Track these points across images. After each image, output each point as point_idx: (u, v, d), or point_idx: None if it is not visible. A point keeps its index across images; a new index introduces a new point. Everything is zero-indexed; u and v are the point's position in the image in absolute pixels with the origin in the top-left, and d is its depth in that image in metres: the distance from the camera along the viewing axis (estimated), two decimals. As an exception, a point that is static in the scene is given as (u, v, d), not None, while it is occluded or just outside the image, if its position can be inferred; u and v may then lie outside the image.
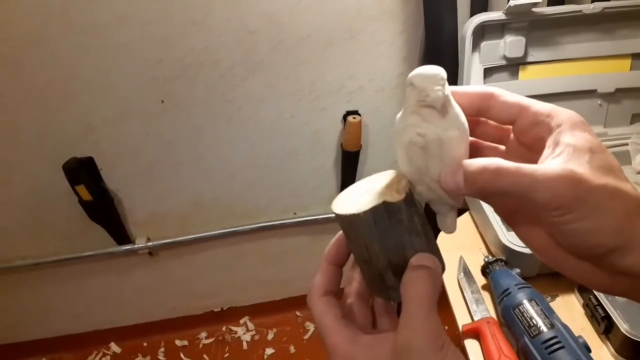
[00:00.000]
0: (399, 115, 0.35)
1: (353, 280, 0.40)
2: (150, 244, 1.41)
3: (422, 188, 0.35)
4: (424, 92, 0.32)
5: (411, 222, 0.35)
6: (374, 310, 0.40)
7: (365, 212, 0.34)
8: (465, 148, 0.34)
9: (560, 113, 0.33)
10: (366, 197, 0.35)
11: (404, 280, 0.34)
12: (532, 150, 0.34)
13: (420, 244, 0.35)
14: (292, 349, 1.58)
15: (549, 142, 0.32)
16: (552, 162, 0.31)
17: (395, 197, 0.34)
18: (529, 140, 0.34)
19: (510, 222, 0.37)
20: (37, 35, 1.04)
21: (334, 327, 0.36)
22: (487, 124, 0.38)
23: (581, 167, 0.30)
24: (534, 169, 0.30)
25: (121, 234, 1.39)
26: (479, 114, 0.36)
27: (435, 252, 0.36)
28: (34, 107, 1.14)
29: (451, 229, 0.38)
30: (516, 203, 0.35)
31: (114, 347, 1.62)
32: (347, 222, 0.35)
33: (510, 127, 0.36)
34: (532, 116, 0.34)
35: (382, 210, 0.34)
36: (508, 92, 0.35)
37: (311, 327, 1.64)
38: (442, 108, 0.33)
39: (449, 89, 0.34)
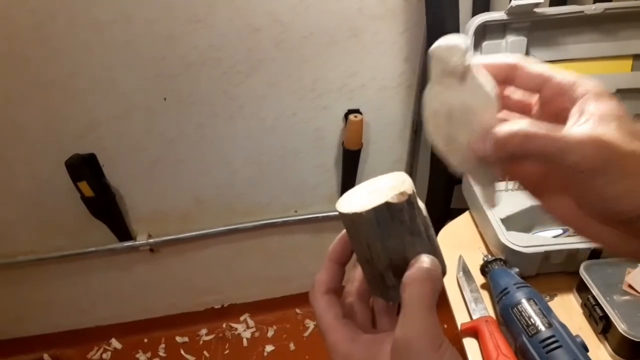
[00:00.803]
0: (426, 89, 0.36)
1: (354, 279, 0.41)
2: (151, 240, 1.42)
3: (454, 158, 0.36)
4: (443, 62, 0.33)
5: (413, 223, 0.35)
6: (374, 311, 0.41)
7: (368, 212, 0.34)
8: (492, 115, 0.34)
9: (584, 83, 0.33)
10: (370, 196, 0.35)
11: (403, 281, 0.34)
12: (557, 120, 0.34)
13: (421, 245, 0.36)
14: (292, 346, 1.59)
15: (574, 111, 0.32)
16: (580, 128, 0.31)
17: (398, 197, 0.34)
18: (554, 110, 0.34)
19: (536, 192, 0.37)
20: (41, 32, 1.05)
21: (334, 325, 0.37)
22: (509, 98, 0.38)
23: (610, 132, 0.30)
24: (564, 133, 0.30)
25: (123, 231, 1.39)
26: (505, 83, 0.36)
27: (437, 254, 0.36)
28: (38, 103, 1.14)
29: (491, 203, 0.38)
30: (543, 170, 0.35)
31: (115, 343, 1.63)
32: (350, 220, 0.36)
33: (533, 102, 0.37)
34: (556, 86, 0.34)
35: (385, 210, 0.34)
36: (533, 62, 0.36)
37: (311, 325, 1.64)
38: (463, 76, 0.33)
39: (473, 58, 0.34)
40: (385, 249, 0.35)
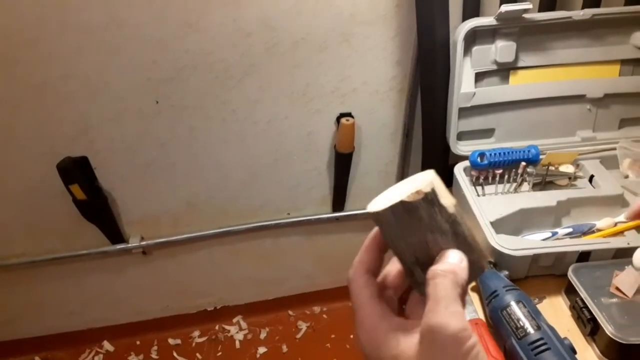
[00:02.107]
0: None
1: (389, 273, 0.43)
2: (144, 243, 1.42)
3: None
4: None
5: (432, 221, 0.36)
6: (412, 302, 0.42)
7: (385, 210, 0.36)
8: None
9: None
10: (394, 196, 0.37)
11: (427, 275, 0.35)
12: None
13: (445, 242, 0.37)
14: (284, 348, 1.59)
15: None
16: None
17: (413, 196, 0.35)
18: None
19: None
20: (32, 35, 1.05)
21: (368, 302, 0.38)
22: None
23: None
24: None
25: (115, 233, 1.39)
26: None
27: (468, 250, 0.37)
28: (29, 106, 1.14)
29: None
30: None
31: (107, 346, 1.63)
32: (374, 219, 0.38)
33: None
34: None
35: (400, 209, 0.36)
36: None
37: (303, 327, 1.65)
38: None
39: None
40: (408, 246, 0.37)
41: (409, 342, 0.34)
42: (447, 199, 0.37)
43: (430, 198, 0.36)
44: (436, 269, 0.35)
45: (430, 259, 0.37)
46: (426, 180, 0.36)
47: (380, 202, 0.37)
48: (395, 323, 0.36)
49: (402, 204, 0.36)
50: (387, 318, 0.37)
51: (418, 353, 0.34)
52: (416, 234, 0.37)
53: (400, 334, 0.35)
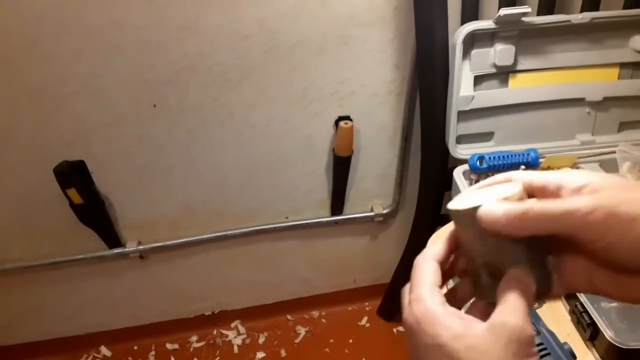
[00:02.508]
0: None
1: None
2: (141, 247, 1.41)
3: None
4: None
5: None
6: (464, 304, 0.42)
7: (466, 210, 0.36)
8: None
9: (555, 176, 0.35)
10: (479, 199, 0.36)
11: (498, 290, 0.35)
12: None
13: (519, 254, 0.36)
14: (283, 353, 1.59)
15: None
16: (578, 197, 0.33)
17: (512, 199, 0.35)
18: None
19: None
20: (30, 37, 1.04)
21: (429, 289, 0.37)
22: None
23: (604, 193, 0.32)
24: (564, 201, 0.33)
25: (112, 238, 1.38)
26: None
27: (537, 266, 0.37)
28: (26, 109, 1.14)
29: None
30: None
31: (104, 350, 1.62)
32: (453, 216, 0.38)
33: None
34: (540, 190, 0.36)
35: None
36: (522, 173, 0.38)
37: (302, 331, 1.64)
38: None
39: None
40: (482, 249, 0.37)
41: (473, 328, 0.34)
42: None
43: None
44: (507, 288, 0.35)
45: (501, 265, 0.37)
46: (515, 189, 0.36)
47: (464, 201, 0.37)
48: (455, 311, 0.36)
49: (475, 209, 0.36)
50: (446, 305, 0.36)
51: (483, 337, 0.33)
52: (493, 239, 0.36)
53: (462, 320, 0.35)
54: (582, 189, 0.33)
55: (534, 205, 0.33)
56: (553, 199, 0.34)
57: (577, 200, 0.32)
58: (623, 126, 1.15)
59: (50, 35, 1.05)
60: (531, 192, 0.37)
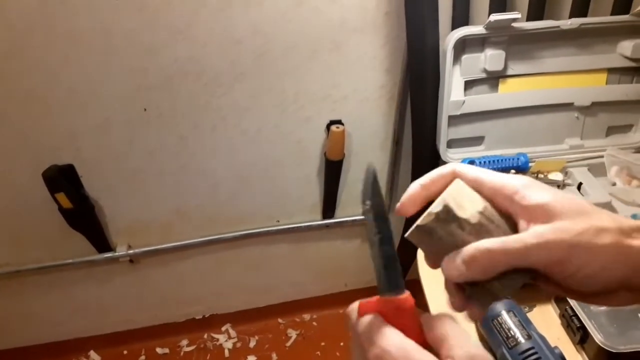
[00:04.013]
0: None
1: None
2: (131, 251, 1.40)
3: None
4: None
5: (453, 237, 0.36)
6: None
7: (410, 234, 0.37)
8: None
9: (510, 181, 0.36)
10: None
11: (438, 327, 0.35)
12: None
13: None
14: (274, 356, 1.58)
15: (514, 210, 0.36)
16: (532, 230, 0.34)
17: (427, 219, 0.36)
18: (498, 207, 0.37)
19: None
20: (19, 43, 1.03)
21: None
22: None
23: (559, 223, 0.33)
24: (519, 239, 0.33)
25: (102, 242, 1.37)
26: None
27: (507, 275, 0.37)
28: (14, 114, 1.13)
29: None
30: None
31: (94, 355, 1.61)
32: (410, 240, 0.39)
33: None
34: (489, 190, 0.37)
35: (421, 232, 0.37)
36: (469, 168, 0.38)
37: (293, 335, 1.64)
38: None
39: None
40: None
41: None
42: (469, 210, 0.36)
43: (443, 217, 0.36)
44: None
45: None
46: (442, 196, 0.37)
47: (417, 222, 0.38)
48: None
49: (417, 228, 0.37)
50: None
51: None
52: (444, 251, 0.37)
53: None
54: (540, 207, 0.34)
55: (493, 246, 0.34)
56: (511, 237, 0.34)
57: (534, 236, 0.33)
58: (611, 130, 1.16)
59: (39, 39, 1.04)
60: (478, 189, 0.37)
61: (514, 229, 0.37)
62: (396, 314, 0.34)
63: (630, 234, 0.34)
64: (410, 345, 0.32)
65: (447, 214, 0.36)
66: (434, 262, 0.39)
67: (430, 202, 0.39)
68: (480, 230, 0.36)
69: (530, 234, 0.33)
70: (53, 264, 1.38)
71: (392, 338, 0.32)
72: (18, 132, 1.15)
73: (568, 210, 0.34)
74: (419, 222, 0.37)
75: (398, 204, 0.39)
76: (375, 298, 0.35)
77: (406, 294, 0.34)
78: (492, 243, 0.34)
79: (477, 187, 0.37)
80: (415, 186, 0.39)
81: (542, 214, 0.34)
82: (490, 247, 0.34)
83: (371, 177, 0.36)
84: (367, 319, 0.34)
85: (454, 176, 0.38)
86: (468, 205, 0.36)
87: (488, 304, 0.37)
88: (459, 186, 0.38)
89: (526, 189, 0.35)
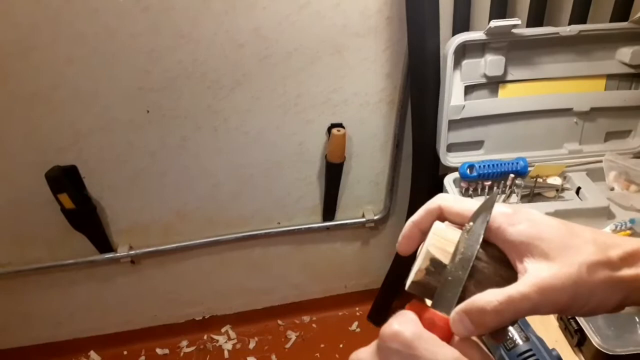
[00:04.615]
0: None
1: None
2: (132, 252, 1.41)
3: None
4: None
5: (445, 282, 0.37)
6: None
7: (408, 288, 0.38)
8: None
9: (493, 216, 0.37)
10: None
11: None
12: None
13: (469, 292, 0.37)
14: (273, 358, 1.59)
15: (501, 244, 0.36)
16: (533, 281, 0.34)
17: (419, 275, 0.37)
18: (483, 240, 0.37)
19: None
20: (24, 44, 1.04)
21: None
22: None
23: (553, 267, 0.34)
24: (524, 297, 0.33)
25: (103, 243, 1.38)
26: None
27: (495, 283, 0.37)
28: (18, 115, 1.13)
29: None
30: None
31: (94, 356, 1.61)
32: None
33: None
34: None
35: (417, 286, 0.38)
36: (454, 200, 0.39)
37: (293, 336, 1.64)
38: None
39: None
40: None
41: None
42: (448, 254, 0.37)
43: (432, 270, 0.37)
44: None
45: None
46: (425, 247, 0.37)
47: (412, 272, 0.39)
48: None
49: (413, 284, 0.38)
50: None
51: None
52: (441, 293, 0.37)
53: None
54: (524, 245, 0.35)
55: (501, 307, 0.33)
56: (515, 293, 0.34)
57: (537, 291, 0.33)
58: (609, 136, 1.17)
59: (44, 42, 1.05)
60: (462, 222, 0.38)
61: (504, 261, 0.37)
62: (429, 326, 0.34)
63: (619, 267, 0.34)
64: (427, 334, 0.33)
65: (435, 266, 0.37)
66: None
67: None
68: (472, 272, 0.36)
69: (532, 287, 0.33)
70: (54, 264, 1.39)
71: (412, 324, 0.33)
72: (22, 132, 1.16)
73: (556, 246, 0.34)
74: (412, 278, 0.37)
75: (397, 244, 0.40)
76: (425, 306, 0.36)
77: (447, 317, 0.35)
78: (500, 304, 0.33)
79: (461, 221, 0.38)
80: (409, 225, 0.40)
81: (527, 250, 0.35)
82: (498, 309, 0.33)
83: (490, 204, 0.37)
84: (406, 311, 0.35)
85: (440, 210, 0.39)
86: (447, 249, 0.37)
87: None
88: (438, 231, 0.38)
89: (509, 224, 0.35)
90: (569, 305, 0.34)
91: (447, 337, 0.34)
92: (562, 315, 0.35)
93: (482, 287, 0.35)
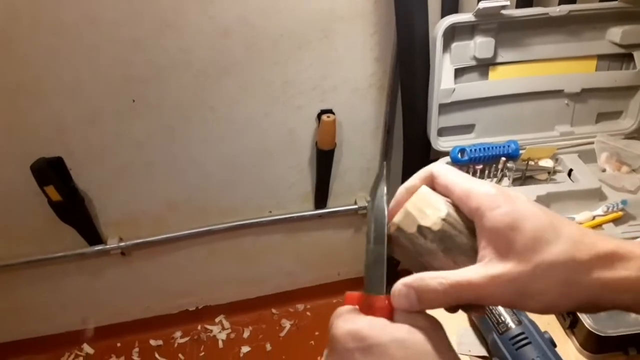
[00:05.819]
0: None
1: None
2: (122, 244, 1.39)
3: None
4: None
5: (416, 246, 0.37)
6: None
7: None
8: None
9: (477, 192, 0.36)
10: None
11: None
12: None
13: (437, 261, 0.37)
14: (268, 347, 1.59)
15: (476, 224, 0.36)
16: (484, 273, 0.34)
17: (391, 229, 0.38)
18: (464, 214, 0.37)
19: None
20: (4, 36, 1.02)
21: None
22: None
23: (509, 265, 0.33)
24: (472, 286, 0.33)
25: (92, 235, 1.37)
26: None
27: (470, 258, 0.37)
28: (2, 107, 1.11)
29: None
30: None
31: (87, 348, 1.60)
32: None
33: None
34: (457, 198, 0.37)
35: (390, 243, 0.38)
36: (444, 170, 0.38)
37: (287, 325, 1.64)
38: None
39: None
40: (414, 268, 0.39)
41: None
42: (431, 217, 0.36)
43: (404, 225, 0.36)
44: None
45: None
46: (405, 205, 0.37)
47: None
48: None
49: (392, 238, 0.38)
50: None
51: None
52: (409, 258, 0.37)
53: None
54: (495, 234, 0.34)
55: (445, 289, 0.34)
56: (462, 279, 0.34)
57: (487, 285, 0.33)
58: (601, 117, 1.17)
59: (25, 32, 1.02)
60: (448, 194, 0.37)
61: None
62: (369, 312, 0.35)
63: (588, 269, 0.33)
64: (374, 320, 0.34)
65: (408, 222, 0.36)
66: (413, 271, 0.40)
67: None
68: (443, 237, 0.36)
69: (482, 279, 0.33)
70: (43, 258, 1.37)
71: (355, 318, 0.35)
72: (5, 124, 1.14)
73: (524, 239, 0.33)
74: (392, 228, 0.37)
75: (389, 209, 0.40)
76: (359, 292, 0.36)
77: (383, 297, 0.35)
78: (450, 287, 0.34)
79: (448, 193, 0.37)
80: (401, 191, 0.40)
81: (496, 240, 0.34)
82: (447, 291, 0.34)
83: (380, 176, 0.37)
84: (343, 308, 0.36)
85: (432, 177, 0.39)
86: (431, 212, 0.36)
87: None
88: (423, 193, 0.37)
89: (488, 207, 0.34)
90: (515, 301, 0.33)
91: (388, 314, 0.35)
92: (512, 309, 0.34)
93: (451, 255, 0.36)
